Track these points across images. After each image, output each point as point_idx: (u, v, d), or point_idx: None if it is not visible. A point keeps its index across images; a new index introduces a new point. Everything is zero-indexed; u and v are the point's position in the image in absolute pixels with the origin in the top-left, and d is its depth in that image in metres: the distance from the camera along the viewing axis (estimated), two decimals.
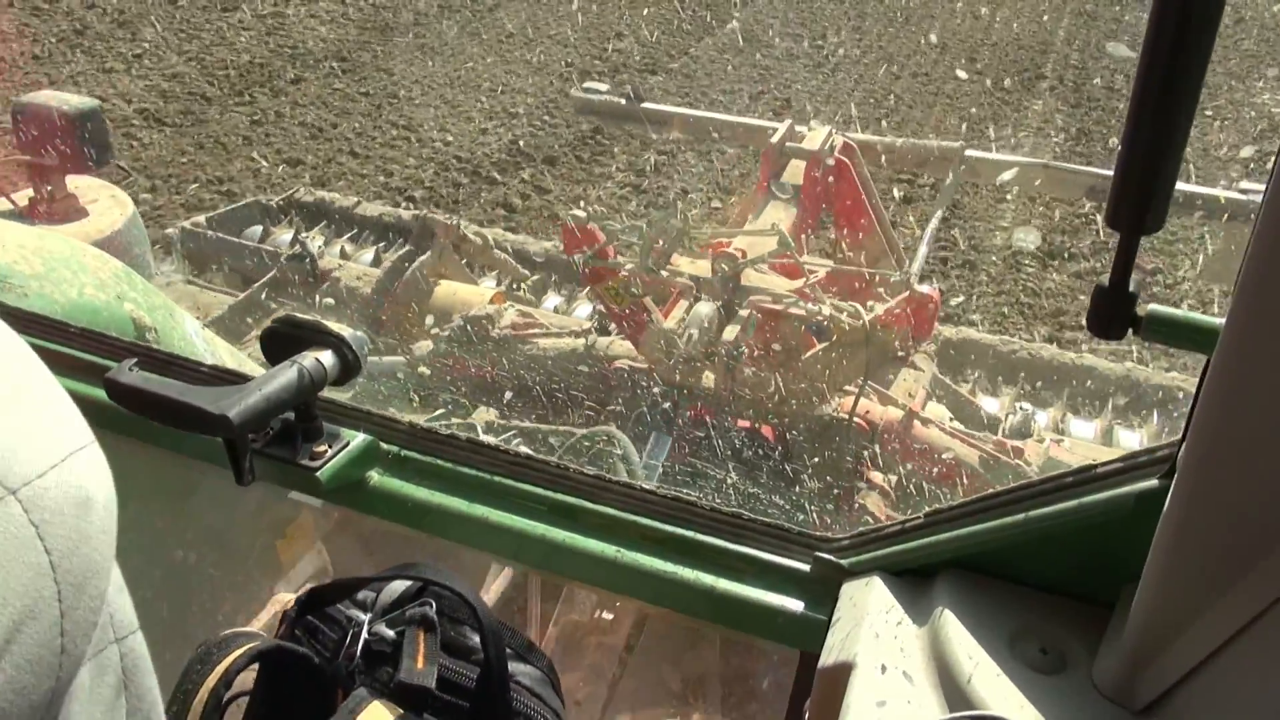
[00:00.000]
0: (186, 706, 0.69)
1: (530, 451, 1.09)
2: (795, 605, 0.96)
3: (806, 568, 0.98)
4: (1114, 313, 0.61)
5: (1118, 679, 0.76)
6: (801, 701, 0.92)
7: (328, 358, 1.05)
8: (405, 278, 3.37)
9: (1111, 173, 0.58)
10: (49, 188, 2.82)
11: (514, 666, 0.78)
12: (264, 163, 5.78)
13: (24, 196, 2.96)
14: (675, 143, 5.89)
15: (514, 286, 3.65)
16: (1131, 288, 0.61)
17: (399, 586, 0.81)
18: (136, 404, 0.98)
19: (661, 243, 2.77)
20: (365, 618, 0.78)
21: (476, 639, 0.75)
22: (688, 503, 1.04)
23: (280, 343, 1.07)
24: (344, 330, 1.08)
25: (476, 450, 1.10)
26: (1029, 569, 0.86)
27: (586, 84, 4.87)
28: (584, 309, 3.57)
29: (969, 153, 3.69)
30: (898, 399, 2.83)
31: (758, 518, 1.01)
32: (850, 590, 0.93)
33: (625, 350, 3.01)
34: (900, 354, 2.93)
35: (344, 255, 3.85)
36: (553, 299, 3.70)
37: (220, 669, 0.70)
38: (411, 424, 1.12)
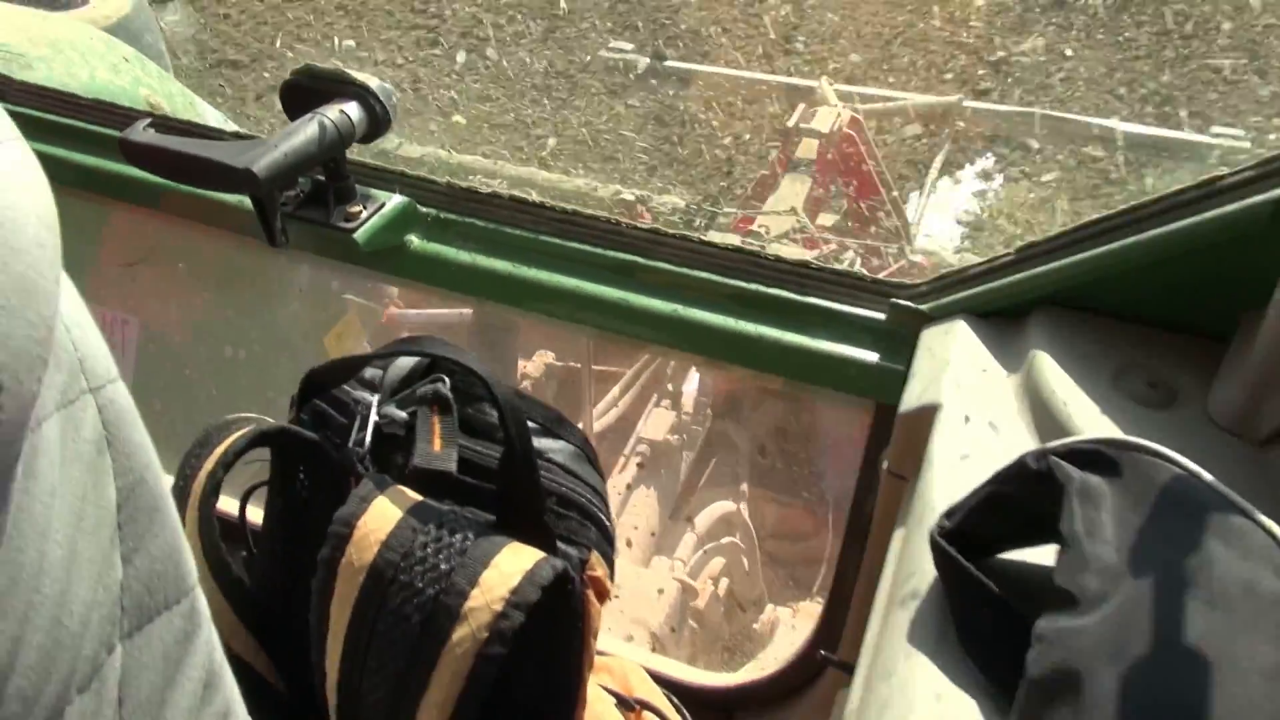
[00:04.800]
0: (186, 492, 0.65)
1: (579, 209, 1.01)
2: (869, 356, 0.90)
3: (881, 316, 0.91)
4: None
5: (1237, 409, 0.69)
6: (877, 452, 0.87)
7: (353, 109, 0.96)
8: None
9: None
10: None
11: (544, 443, 0.70)
12: None
13: None
14: None
15: None
16: None
17: (407, 363, 0.73)
18: (153, 163, 0.91)
19: (698, 222, 3.24)
20: (373, 399, 0.70)
21: (497, 415, 0.67)
22: (750, 254, 0.96)
23: (300, 97, 0.97)
24: (370, 80, 0.98)
25: (521, 209, 1.02)
26: (1136, 301, 0.78)
27: (612, 44, 5.05)
28: None
29: (966, 104, 4.15)
30: None
31: (827, 266, 0.94)
32: (930, 337, 0.86)
33: None
34: None
35: None
36: None
37: (218, 452, 0.65)
38: (450, 184, 1.04)
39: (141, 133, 0.91)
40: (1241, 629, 0.43)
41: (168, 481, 0.39)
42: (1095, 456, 0.56)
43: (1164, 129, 4.15)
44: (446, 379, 0.70)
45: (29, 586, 0.29)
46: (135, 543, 0.35)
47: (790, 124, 3.58)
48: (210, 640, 0.41)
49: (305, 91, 0.97)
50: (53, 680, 0.30)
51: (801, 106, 3.67)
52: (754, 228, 3.11)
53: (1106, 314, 0.79)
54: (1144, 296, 0.77)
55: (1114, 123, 4.10)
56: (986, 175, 4.44)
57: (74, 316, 0.33)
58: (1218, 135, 3.83)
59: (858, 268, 3.08)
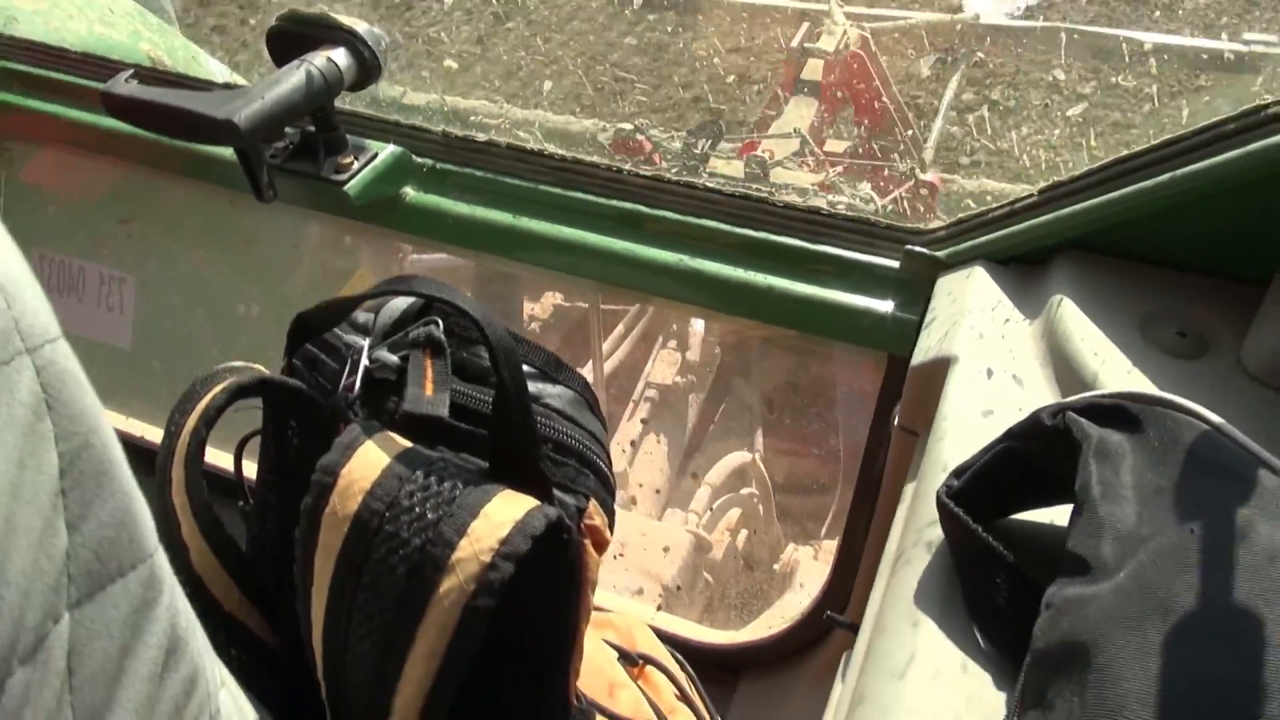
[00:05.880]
0: (171, 449, 0.62)
1: (579, 156, 0.96)
2: (883, 306, 0.86)
3: (895, 264, 0.86)
4: None
5: (1273, 359, 0.64)
6: (889, 406, 0.84)
7: (341, 56, 0.92)
8: None
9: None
10: None
11: (540, 387, 0.66)
12: None
13: None
14: None
15: None
16: None
17: (400, 305, 0.69)
18: (136, 116, 0.87)
19: (701, 146, 3.06)
20: (365, 343, 0.66)
21: (489, 358, 0.62)
22: (759, 200, 0.91)
23: (287, 43, 0.93)
24: (358, 25, 0.94)
25: (520, 158, 0.98)
26: (1167, 244, 0.73)
27: None
28: None
29: (983, 20, 3.95)
30: None
31: (839, 213, 0.89)
32: (947, 284, 0.82)
33: None
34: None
35: None
36: None
37: (200, 408, 0.62)
38: (445, 133, 1.00)
39: (123, 85, 0.88)
40: (1276, 599, 0.40)
41: (116, 444, 0.37)
42: (1116, 411, 0.52)
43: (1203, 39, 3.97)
44: (440, 321, 0.67)
45: None
46: (81, 509, 0.33)
47: (794, 44, 3.46)
48: (173, 606, 0.39)
49: (291, 38, 0.93)
50: None
51: (806, 25, 3.55)
52: (758, 152, 3.02)
53: (1134, 258, 0.75)
54: (1176, 239, 0.72)
55: (1154, 35, 3.93)
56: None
57: (7, 271, 0.31)
58: (1251, 42, 3.62)
59: (866, 189, 3.04)
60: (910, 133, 3.47)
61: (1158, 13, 4.48)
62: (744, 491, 2.05)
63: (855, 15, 3.70)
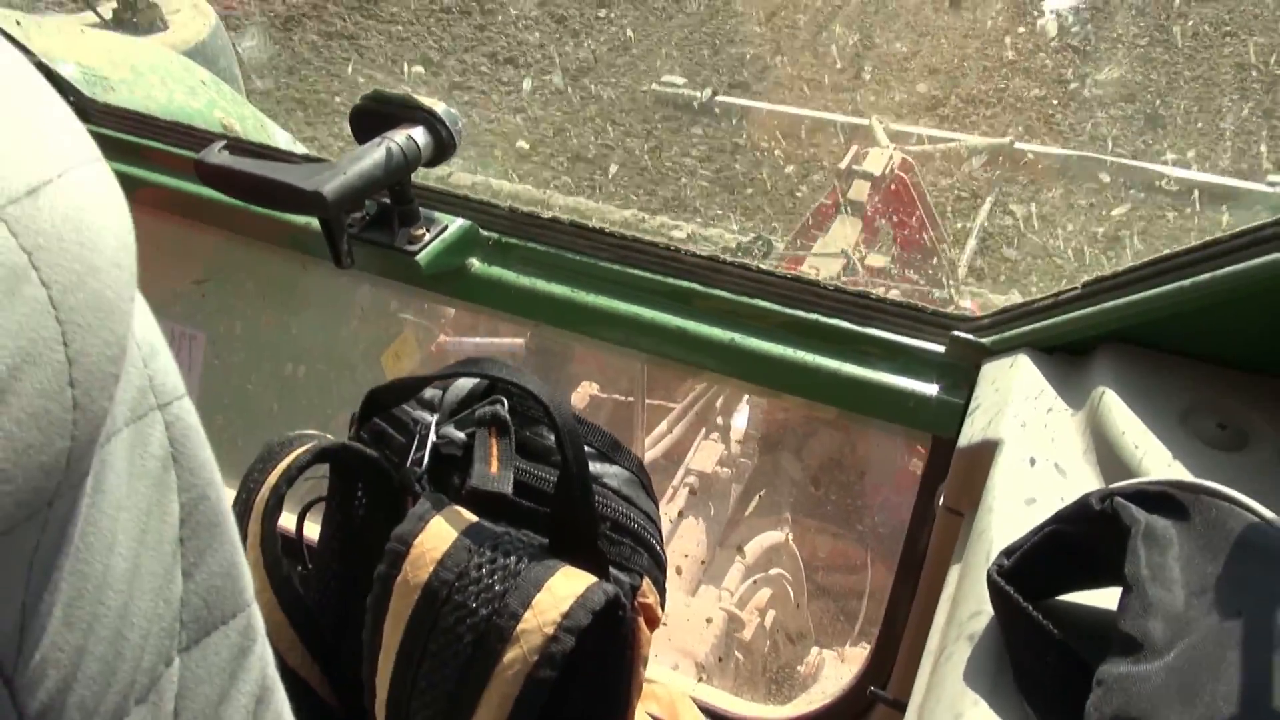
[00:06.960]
0: (249, 505, 0.65)
1: (638, 235, 1.01)
2: (929, 389, 0.89)
3: (940, 349, 0.89)
4: None
5: None
6: (933, 485, 0.86)
7: (420, 134, 0.98)
8: None
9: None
10: None
11: (599, 468, 0.70)
12: None
13: (109, 9, 2.92)
14: None
15: None
16: None
17: (466, 384, 0.73)
18: (226, 184, 0.93)
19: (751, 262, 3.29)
20: (432, 419, 0.71)
21: (554, 439, 0.67)
22: (809, 283, 0.95)
23: (369, 121, 1.00)
24: (436, 105, 1.00)
25: (581, 235, 1.03)
26: (1207, 339, 0.75)
27: (664, 78, 5.31)
28: None
29: (1018, 145, 4.26)
30: None
31: (886, 298, 0.93)
32: (991, 371, 0.85)
33: None
34: None
35: None
36: None
37: (281, 467, 0.65)
38: (512, 209, 1.06)
39: (216, 155, 0.94)
40: None
41: (229, 497, 0.40)
42: (1163, 499, 0.55)
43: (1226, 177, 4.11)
44: (505, 401, 0.70)
45: (94, 598, 0.29)
46: (196, 558, 0.35)
47: (843, 165, 3.60)
48: (264, 655, 0.41)
49: (373, 116, 0.99)
50: (112, 691, 0.31)
51: (854, 148, 3.70)
52: (803, 269, 3.10)
53: (1175, 352, 0.77)
54: (1216, 335, 0.75)
55: (1180, 171, 4.05)
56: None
57: (145, 334, 0.34)
58: (1275, 184, 3.78)
59: None
60: (946, 265, 3.59)
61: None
62: (774, 572, 2.06)
63: (898, 133, 3.85)
